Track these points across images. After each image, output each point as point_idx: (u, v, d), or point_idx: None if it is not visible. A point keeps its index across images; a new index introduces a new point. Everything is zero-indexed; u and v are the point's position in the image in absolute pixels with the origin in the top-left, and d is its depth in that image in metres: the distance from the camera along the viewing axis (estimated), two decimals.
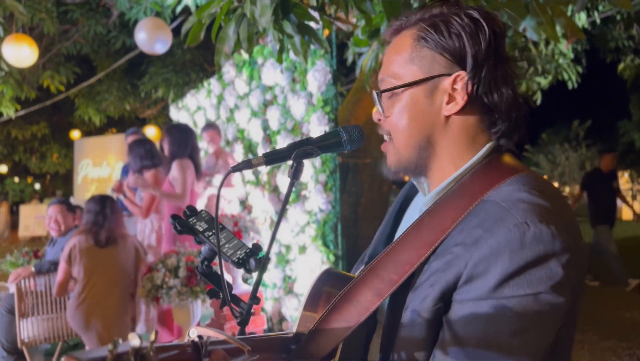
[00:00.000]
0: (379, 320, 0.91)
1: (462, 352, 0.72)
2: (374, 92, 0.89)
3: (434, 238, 0.79)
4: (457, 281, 0.75)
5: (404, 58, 0.86)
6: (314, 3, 1.80)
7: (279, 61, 1.93)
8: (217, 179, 4.46)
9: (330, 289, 0.91)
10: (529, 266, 0.71)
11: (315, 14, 1.87)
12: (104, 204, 3.36)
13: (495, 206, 0.76)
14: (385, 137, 0.92)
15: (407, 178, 0.98)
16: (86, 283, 3.21)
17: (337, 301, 0.84)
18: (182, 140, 3.92)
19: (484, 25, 0.82)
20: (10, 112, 6.61)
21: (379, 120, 0.92)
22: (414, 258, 0.80)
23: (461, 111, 0.84)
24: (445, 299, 0.76)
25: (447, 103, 0.84)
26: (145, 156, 4.15)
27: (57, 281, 3.25)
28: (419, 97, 0.85)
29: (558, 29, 1.69)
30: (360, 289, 0.83)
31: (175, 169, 3.84)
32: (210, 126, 4.67)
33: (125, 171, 4.94)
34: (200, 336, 0.68)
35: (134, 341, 0.52)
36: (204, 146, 4.89)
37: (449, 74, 0.83)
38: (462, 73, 0.82)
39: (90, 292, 3.21)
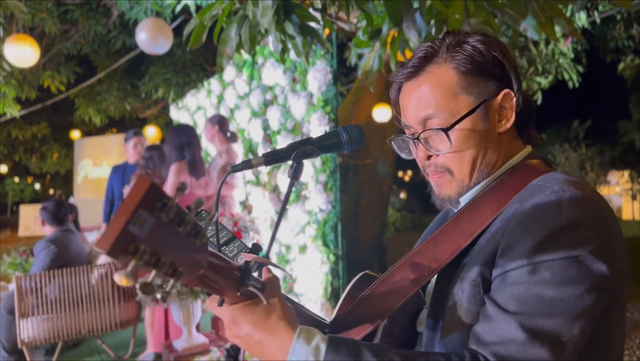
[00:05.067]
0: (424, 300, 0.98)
1: (506, 318, 0.72)
2: (419, 136, 0.90)
3: (473, 230, 0.83)
4: (495, 251, 0.78)
5: (452, 91, 0.87)
6: (318, 4, 1.79)
7: (282, 61, 1.93)
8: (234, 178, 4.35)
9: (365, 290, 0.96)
10: (565, 230, 0.73)
11: (317, 14, 1.86)
12: (152, 152, 3.75)
13: (532, 187, 0.81)
14: (431, 171, 0.92)
15: None
16: None
17: (376, 285, 0.89)
18: (176, 142, 3.84)
19: (501, 44, 0.89)
20: (14, 112, 6.59)
21: (428, 159, 0.91)
22: (452, 248, 0.84)
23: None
24: (484, 275, 0.79)
25: (499, 121, 0.89)
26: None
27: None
28: (478, 122, 0.88)
29: (557, 29, 1.69)
30: (398, 276, 0.88)
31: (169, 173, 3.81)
32: (209, 119, 4.50)
33: (114, 171, 4.77)
34: (247, 262, 0.72)
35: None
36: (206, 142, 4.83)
37: (496, 95, 0.88)
38: (507, 90, 0.88)
39: None
